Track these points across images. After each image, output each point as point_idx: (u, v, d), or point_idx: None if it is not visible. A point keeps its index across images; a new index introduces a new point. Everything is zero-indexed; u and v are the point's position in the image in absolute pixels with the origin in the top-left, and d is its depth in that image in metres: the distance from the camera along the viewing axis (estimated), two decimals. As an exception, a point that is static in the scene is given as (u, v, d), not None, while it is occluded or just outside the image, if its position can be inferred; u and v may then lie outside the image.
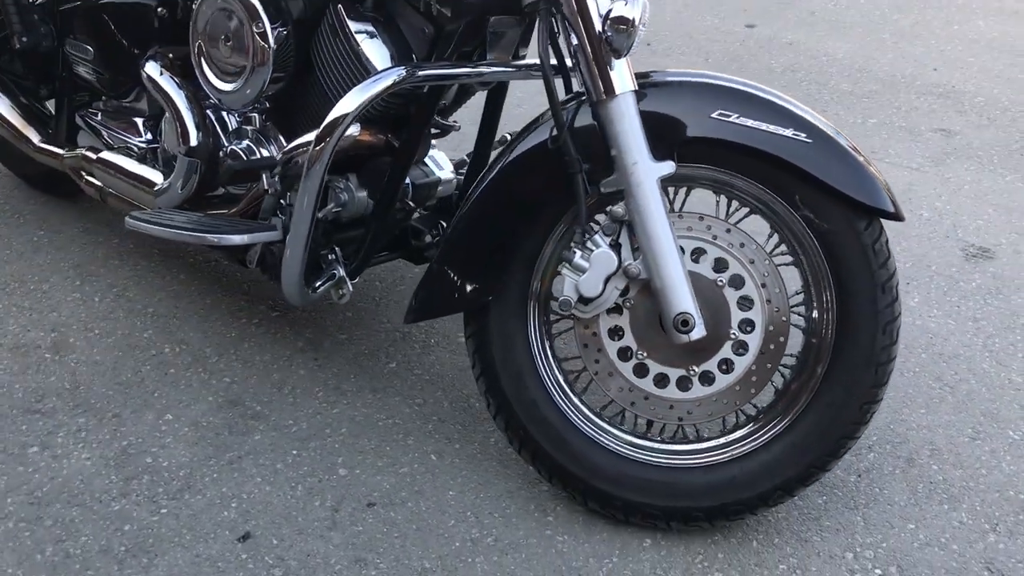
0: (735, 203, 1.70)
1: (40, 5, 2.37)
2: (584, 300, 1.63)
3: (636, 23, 1.49)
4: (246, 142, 2.01)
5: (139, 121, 2.26)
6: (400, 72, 1.68)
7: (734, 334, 1.65)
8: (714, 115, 1.59)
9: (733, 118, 1.58)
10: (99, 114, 2.36)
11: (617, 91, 1.56)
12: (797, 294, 1.68)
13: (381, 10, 1.80)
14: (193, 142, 2.00)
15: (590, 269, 1.61)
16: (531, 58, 1.85)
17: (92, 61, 2.25)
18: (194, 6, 1.92)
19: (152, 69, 2.06)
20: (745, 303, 1.65)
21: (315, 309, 2.37)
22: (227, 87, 1.90)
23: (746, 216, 1.70)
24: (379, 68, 1.75)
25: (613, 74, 1.56)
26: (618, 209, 1.62)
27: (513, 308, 1.72)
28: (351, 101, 1.66)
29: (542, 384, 1.73)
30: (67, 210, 2.79)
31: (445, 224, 2.04)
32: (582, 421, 1.73)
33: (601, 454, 1.71)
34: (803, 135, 1.56)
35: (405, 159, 1.86)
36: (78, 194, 2.73)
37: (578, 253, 1.62)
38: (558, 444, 1.72)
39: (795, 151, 1.55)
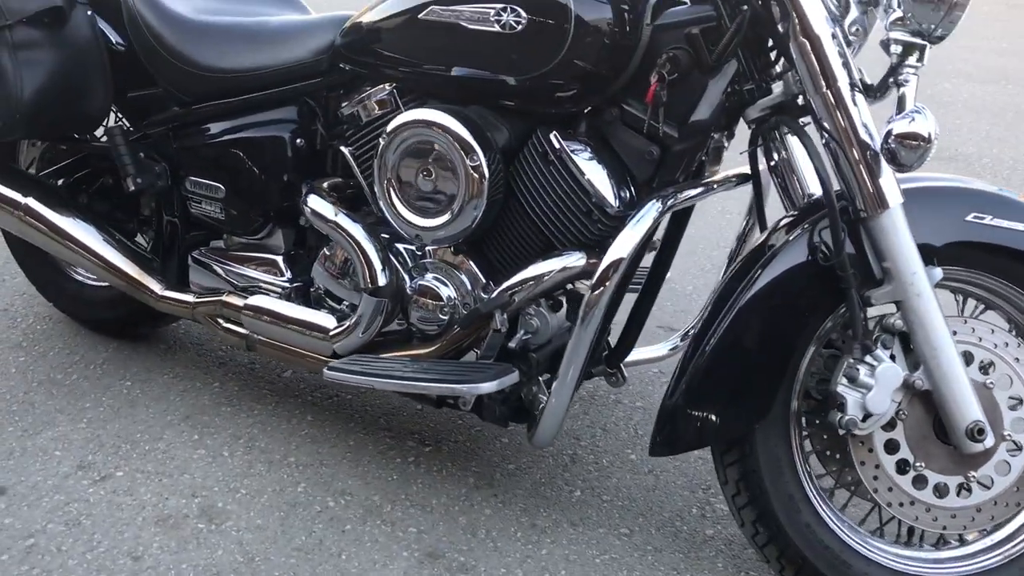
0: (971, 301, 1.70)
1: (151, 144, 2.20)
2: (865, 417, 1.58)
3: (931, 138, 1.48)
4: (431, 275, 1.90)
5: (277, 259, 2.11)
6: (658, 204, 1.64)
7: (1008, 435, 1.63)
8: (969, 218, 1.59)
9: (987, 220, 1.59)
10: (219, 254, 2.19)
11: (890, 204, 1.54)
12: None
13: (593, 133, 1.74)
14: (381, 281, 1.88)
15: (876, 385, 1.56)
16: (728, 168, 1.83)
17: (221, 199, 2.10)
18: (382, 139, 1.81)
19: (320, 206, 1.94)
20: (1015, 402, 1.63)
21: (468, 438, 2.24)
22: (430, 223, 1.80)
23: (982, 312, 1.70)
24: (603, 193, 1.69)
25: (884, 187, 1.54)
26: (894, 321, 1.59)
27: (778, 431, 1.65)
28: (625, 243, 1.62)
29: (812, 506, 1.66)
30: (144, 355, 2.57)
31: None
32: (856, 540, 1.67)
33: (880, 571, 1.66)
34: None
35: (658, 283, 1.81)
36: (146, 337, 2.62)
37: (862, 370, 1.57)
38: (840, 569, 1.65)
39: None
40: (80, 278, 2.60)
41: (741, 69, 1.65)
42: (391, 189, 1.83)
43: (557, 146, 1.72)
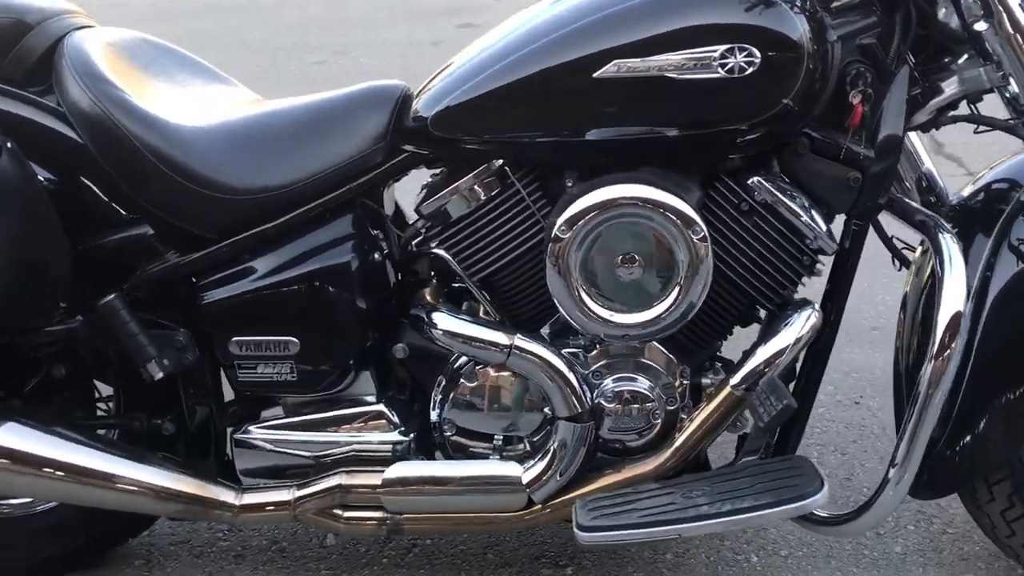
0: None
1: (162, 307, 1.63)
2: None
3: None
4: (617, 375, 1.64)
5: (378, 410, 1.69)
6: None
7: None
8: None
9: None
10: (279, 427, 1.71)
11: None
12: None
13: (784, 170, 1.61)
14: (585, 401, 1.58)
15: None
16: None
17: (295, 355, 1.63)
18: (559, 232, 1.53)
19: (461, 325, 1.63)
20: None
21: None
22: (642, 317, 1.55)
23: None
24: (822, 233, 1.57)
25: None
26: None
27: None
28: (956, 291, 1.49)
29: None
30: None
31: None
32: None
33: None
34: None
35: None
36: (111, 559, 1.93)
37: None
38: None
39: None
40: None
41: (912, 73, 1.60)
42: (579, 289, 1.55)
43: (761, 193, 1.56)
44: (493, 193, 1.63)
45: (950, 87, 1.67)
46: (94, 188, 1.66)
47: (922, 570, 1.84)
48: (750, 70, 1.46)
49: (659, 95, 1.51)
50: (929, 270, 1.83)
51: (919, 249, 1.85)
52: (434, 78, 1.69)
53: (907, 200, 1.70)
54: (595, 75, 1.50)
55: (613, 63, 1.49)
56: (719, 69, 1.47)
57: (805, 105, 1.52)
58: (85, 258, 1.65)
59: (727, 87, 1.48)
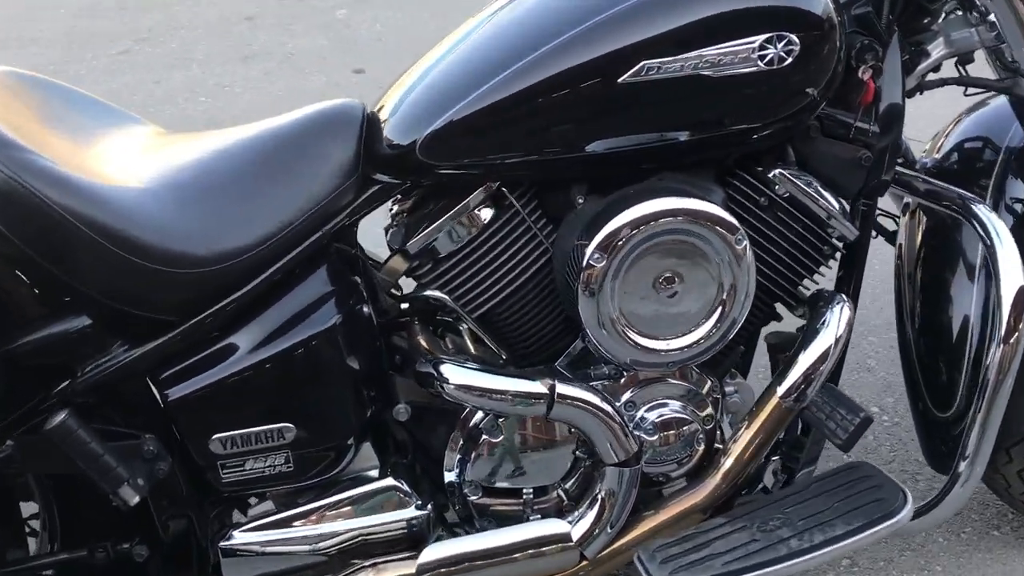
0: None
1: (116, 411, 1.33)
2: None
3: None
4: (648, 405, 1.49)
5: (391, 483, 1.46)
6: None
7: None
8: None
9: None
10: (273, 525, 1.45)
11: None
12: None
13: (796, 157, 1.49)
14: (633, 443, 1.42)
15: None
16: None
17: (290, 443, 1.37)
18: (593, 260, 1.35)
19: (483, 379, 1.42)
20: None
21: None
22: (685, 340, 1.42)
23: None
24: (843, 218, 1.47)
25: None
26: None
27: None
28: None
29: None
30: None
31: None
32: None
33: None
34: None
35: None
36: None
37: None
38: None
39: None
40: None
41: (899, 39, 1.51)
42: (617, 317, 1.38)
43: (784, 185, 1.44)
44: (490, 219, 1.43)
45: (936, 49, 1.61)
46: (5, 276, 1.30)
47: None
48: (789, 60, 1.32)
49: (692, 96, 1.35)
50: (921, 234, 1.79)
51: (903, 218, 1.81)
52: (398, 93, 1.45)
53: (913, 173, 1.63)
54: (620, 80, 1.31)
55: (641, 64, 1.30)
56: (758, 62, 1.32)
57: (828, 88, 1.41)
58: (5, 365, 1.31)
59: (765, 80, 1.34)
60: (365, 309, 1.44)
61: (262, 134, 1.43)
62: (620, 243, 1.34)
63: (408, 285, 1.54)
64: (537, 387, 1.40)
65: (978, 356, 1.57)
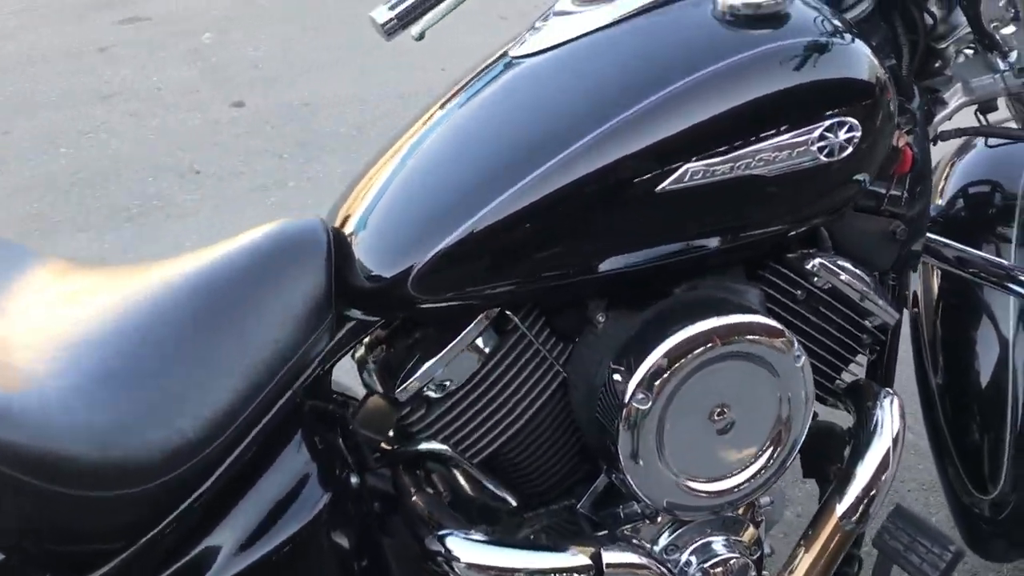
0: None
1: None
2: None
3: None
4: (709, 537, 1.29)
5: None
6: None
7: None
8: None
9: None
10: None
11: None
12: None
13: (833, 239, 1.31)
14: None
15: None
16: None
17: None
18: (638, 403, 1.12)
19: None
20: None
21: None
22: (740, 477, 1.22)
23: None
24: (885, 305, 1.29)
25: None
26: None
27: None
28: None
29: None
30: None
31: None
32: None
33: None
34: None
35: None
36: None
37: None
38: None
39: None
40: None
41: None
42: (664, 461, 1.16)
43: (823, 276, 1.25)
44: (493, 349, 1.19)
45: (954, 97, 1.45)
46: None
47: None
48: (850, 149, 1.12)
49: (738, 200, 1.13)
50: (937, 291, 1.65)
51: (914, 275, 1.65)
52: (363, 205, 1.19)
53: (938, 238, 1.47)
54: (659, 188, 1.08)
55: (683, 168, 1.08)
56: (818, 155, 1.11)
57: (880, 168, 1.23)
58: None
59: (823, 174, 1.13)
60: (354, 479, 1.18)
61: (205, 273, 1.13)
62: (665, 376, 1.13)
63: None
64: (580, 559, 1.17)
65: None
